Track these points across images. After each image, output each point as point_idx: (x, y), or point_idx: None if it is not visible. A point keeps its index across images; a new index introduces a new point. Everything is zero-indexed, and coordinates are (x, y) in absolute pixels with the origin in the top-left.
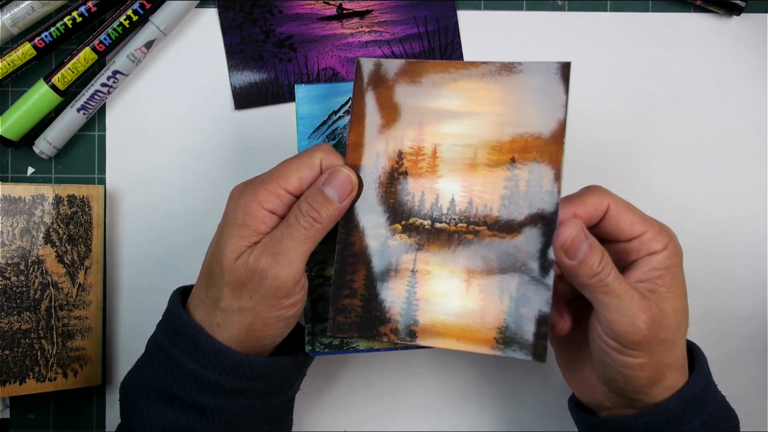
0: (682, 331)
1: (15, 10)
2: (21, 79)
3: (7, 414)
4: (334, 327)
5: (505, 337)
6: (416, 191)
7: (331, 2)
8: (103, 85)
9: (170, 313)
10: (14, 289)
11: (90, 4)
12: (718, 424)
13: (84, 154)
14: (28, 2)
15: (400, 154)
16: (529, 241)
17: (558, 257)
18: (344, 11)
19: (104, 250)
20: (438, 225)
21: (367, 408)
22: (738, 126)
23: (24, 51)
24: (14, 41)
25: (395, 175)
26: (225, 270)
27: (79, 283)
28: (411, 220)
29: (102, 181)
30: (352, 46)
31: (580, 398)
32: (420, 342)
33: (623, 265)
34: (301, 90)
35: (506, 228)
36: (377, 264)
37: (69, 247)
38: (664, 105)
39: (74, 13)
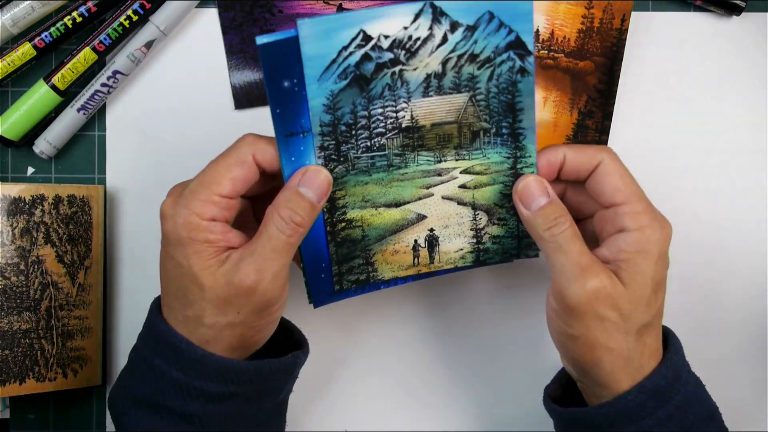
0: (632, 323)
1: (15, 10)
2: (21, 79)
3: (7, 414)
4: None
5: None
6: None
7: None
8: (103, 85)
9: (150, 323)
10: (14, 289)
11: (90, 4)
12: (684, 416)
13: (84, 154)
14: (28, 2)
15: None
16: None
17: (515, 204)
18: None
19: (104, 250)
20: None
21: (367, 408)
22: (738, 126)
23: (24, 51)
24: (14, 41)
25: None
26: (205, 288)
27: (79, 283)
28: None
29: (102, 181)
30: None
31: (565, 367)
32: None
33: (599, 239)
34: (305, 26)
35: (580, 56)
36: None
37: (69, 247)
38: (664, 105)
39: (74, 13)
